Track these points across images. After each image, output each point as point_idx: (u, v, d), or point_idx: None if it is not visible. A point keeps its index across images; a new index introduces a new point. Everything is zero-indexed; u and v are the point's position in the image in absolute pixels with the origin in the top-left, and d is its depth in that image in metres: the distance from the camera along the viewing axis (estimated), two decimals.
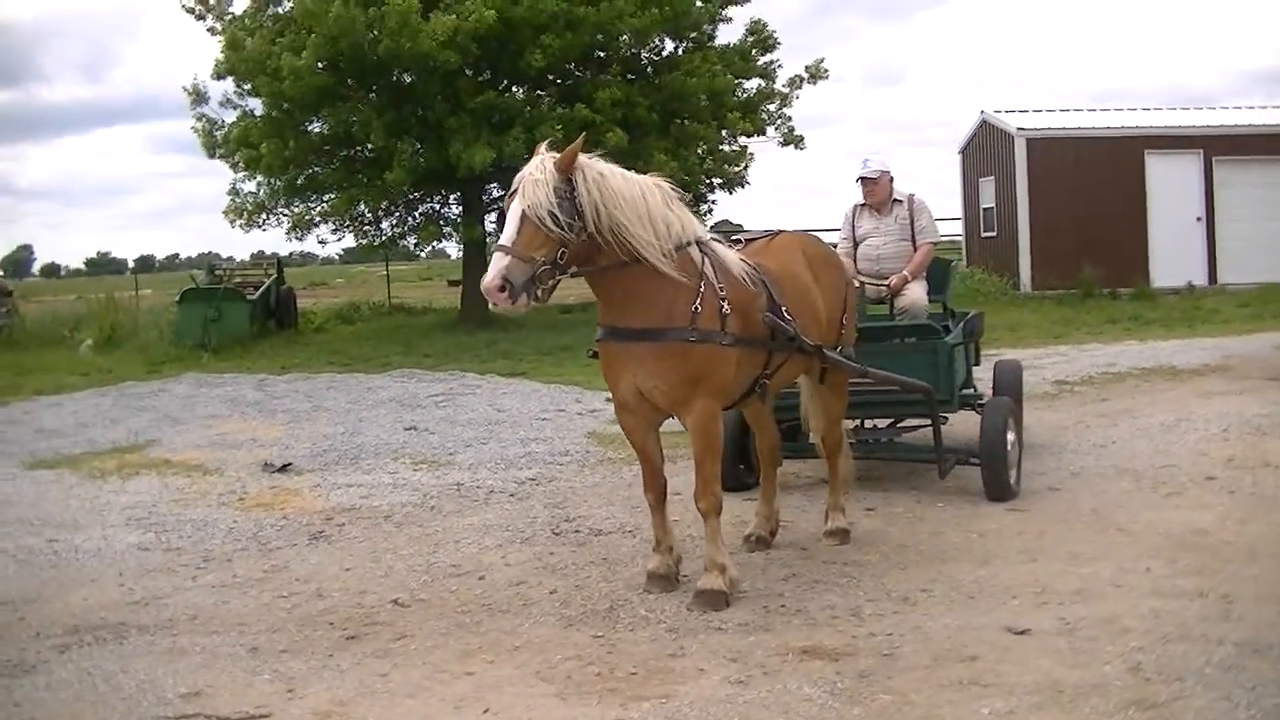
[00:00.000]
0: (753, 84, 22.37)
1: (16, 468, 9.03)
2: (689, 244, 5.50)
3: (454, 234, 22.68)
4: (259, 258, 35.25)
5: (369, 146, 20.45)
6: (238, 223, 21.39)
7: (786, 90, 22.49)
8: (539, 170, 5.13)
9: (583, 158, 5.24)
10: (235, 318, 19.29)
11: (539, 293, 5.16)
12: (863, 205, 8.42)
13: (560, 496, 8.03)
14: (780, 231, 6.68)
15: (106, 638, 5.14)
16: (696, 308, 5.38)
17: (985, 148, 24.53)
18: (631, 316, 5.42)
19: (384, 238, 22.90)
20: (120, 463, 9.23)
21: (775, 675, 4.57)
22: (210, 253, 79.78)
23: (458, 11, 18.45)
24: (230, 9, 21.43)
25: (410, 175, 19.77)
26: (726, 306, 5.48)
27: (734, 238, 6.69)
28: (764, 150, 24.27)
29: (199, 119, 21.60)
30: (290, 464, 9.15)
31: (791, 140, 22.75)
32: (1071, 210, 21.88)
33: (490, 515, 7.52)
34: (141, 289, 31.67)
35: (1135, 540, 6.32)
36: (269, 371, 15.98)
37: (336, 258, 73.93)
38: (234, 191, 21.97)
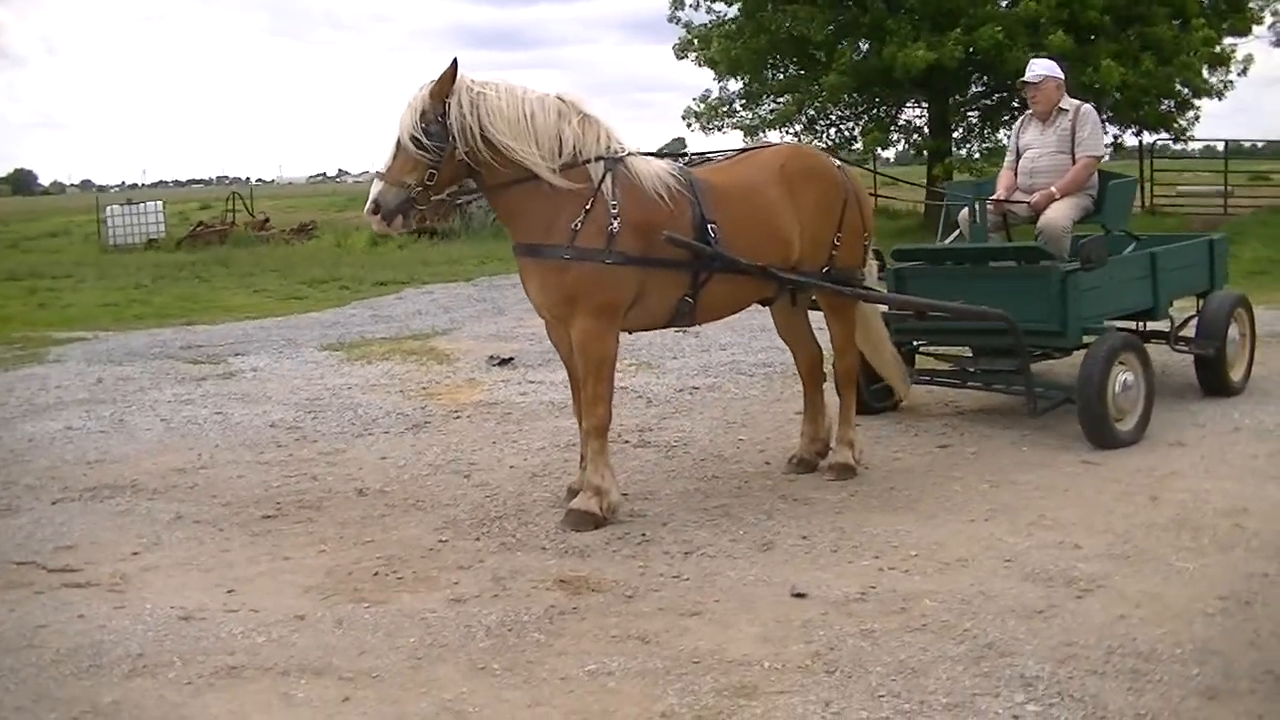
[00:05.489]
0: None
1: (313, 349, 10.64)
2: (586, 161, 5.38)
3: (905, 141, 22.29)
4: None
5: (817, 51, 20.52)
6: (694, 125, 22.49)
7: None
8: (414, 97, 5.30)
9: (466, 78, 5.33)
10: None
11: (420, 213, 5.43)
12: (1030, 115, 7.46)
13: (688, 406, 8.09)
14: (767, 146, 6.22)
15: (104, 496, 6.17)
16: (577, 225, 5.30)
17: None
18: (520, 232, 5.52)
19: (831, 142, 22.84)
20: (390, 349, 10.55)
21: (498, 599, 4.62)
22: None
23: None
24: None
25: (850, 78, 19.64)
26: (616, 224, 5.33)
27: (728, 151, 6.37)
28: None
29: (675, 21, 22.92)
30: (512, 359, 9.92)
31: None
32: None
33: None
34: None
35: (1137, 514, 5.38)
36: None
37: None
38: (703, 97, 23.10)
